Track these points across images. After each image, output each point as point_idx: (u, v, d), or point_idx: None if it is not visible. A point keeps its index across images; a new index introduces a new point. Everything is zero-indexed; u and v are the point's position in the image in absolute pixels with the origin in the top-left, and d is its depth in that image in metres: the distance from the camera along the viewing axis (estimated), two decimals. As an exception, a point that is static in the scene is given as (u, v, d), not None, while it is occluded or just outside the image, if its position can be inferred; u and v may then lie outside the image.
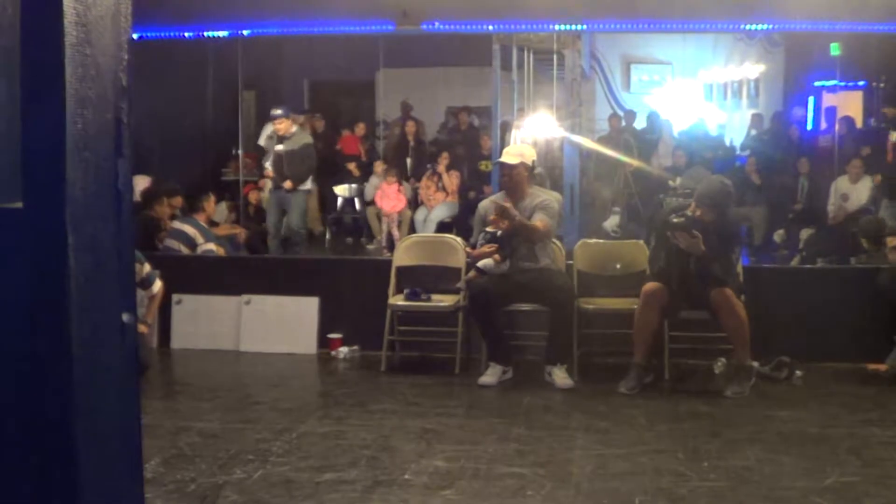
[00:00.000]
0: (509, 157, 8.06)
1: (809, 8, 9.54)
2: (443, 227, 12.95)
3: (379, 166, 13.63)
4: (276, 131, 11.43)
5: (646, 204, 13.54)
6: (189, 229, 9.84)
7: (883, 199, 10.66)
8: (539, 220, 7.89)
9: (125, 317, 1.87)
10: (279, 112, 11.38)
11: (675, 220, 7.57)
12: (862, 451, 6.26)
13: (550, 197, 8.24)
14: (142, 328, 7.85)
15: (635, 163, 13.95)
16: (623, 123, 14.97)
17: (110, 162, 1.81)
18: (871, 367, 8.09)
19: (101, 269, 1.79)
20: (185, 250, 9.69)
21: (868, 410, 7.25)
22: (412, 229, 13.01)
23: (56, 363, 1.69)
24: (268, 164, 11.84)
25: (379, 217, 13.24)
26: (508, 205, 7.84)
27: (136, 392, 1.98)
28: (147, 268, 7.78)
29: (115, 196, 1.82)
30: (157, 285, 8.01)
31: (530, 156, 8.19)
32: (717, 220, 7.63)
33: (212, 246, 9.88)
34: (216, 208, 11.11)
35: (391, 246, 12.68)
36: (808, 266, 9.43)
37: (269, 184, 12.14)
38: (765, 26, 10.54)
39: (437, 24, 9.71)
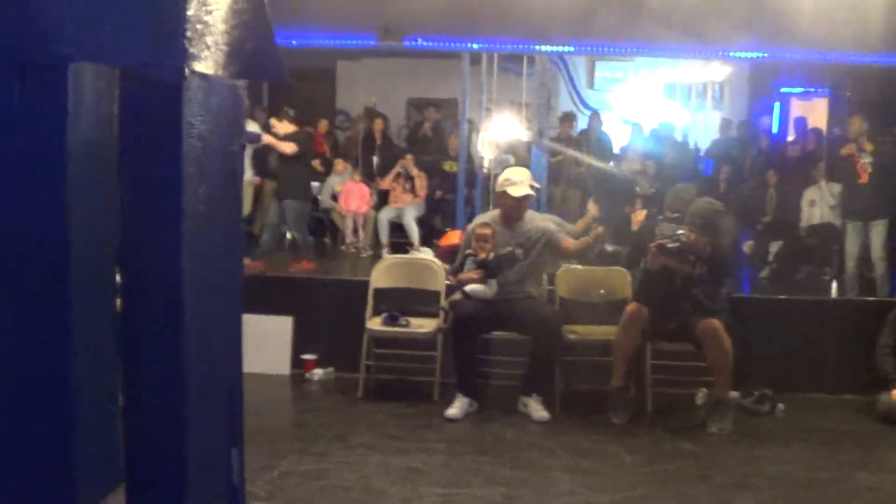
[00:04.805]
0: (516, 187, 7.88)
1: (806, 37, 9.39)
2: (395, 228, 12.74)
3: (340, 165, 13.33)
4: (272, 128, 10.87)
5: (607, 210, 13.39)
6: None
7: (847, 222, 10.57)
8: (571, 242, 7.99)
9: None
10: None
11: (670, 245, 7.46)
12: (851, 502, 6.22)
13: (544, 221, 8.11)
14: None
15: (602, 165, 13.77)
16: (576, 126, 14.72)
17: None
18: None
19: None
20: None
21: (850, 451, 7.20)
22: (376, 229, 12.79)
23: None
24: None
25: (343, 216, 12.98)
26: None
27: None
28: None
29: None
30: None
31: (530, 178, 8.05)
32: (709, 246, 7.55)
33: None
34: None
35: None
36: (788, 297, 9.36)
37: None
38: (758, 55, 10.32)
39: (419, 40, 9.48)
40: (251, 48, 1.56)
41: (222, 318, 1.58)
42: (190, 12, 1.40)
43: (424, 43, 9.61)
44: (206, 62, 1.44)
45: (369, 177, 13.46)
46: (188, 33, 1.40)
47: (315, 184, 13.27)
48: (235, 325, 1.62)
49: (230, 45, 1.50)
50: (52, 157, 1.43)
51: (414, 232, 12.49)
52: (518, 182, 7.92)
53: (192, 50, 1.41)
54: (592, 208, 8.08)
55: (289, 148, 10.71)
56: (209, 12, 1.45)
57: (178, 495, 1.45)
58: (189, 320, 1.45)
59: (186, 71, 1.40)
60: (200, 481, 1.49)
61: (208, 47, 1.45)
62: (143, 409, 1.47)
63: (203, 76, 1.44)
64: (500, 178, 8.18)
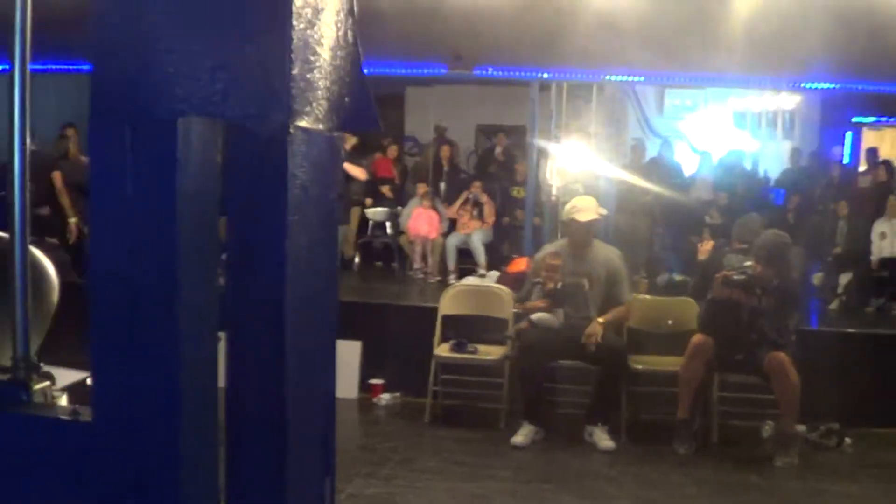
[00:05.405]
0: (583, 213, 7.94)
1: (878, 67, 9.34)
2: (462, 254, 12.78)
3: (422, 188, 13.36)
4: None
5: (676, 239, 13.36)
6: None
7: None
8: (624, 307, 8.06)
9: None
10: None
11: (736, 277, 7.48)
12: (921, 538, 6.19)
13: (612, 255, 8.14)
14: None
15: (670, 194, 13.68)
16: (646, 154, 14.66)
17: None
18: None
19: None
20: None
21: (921, 486, 7.16)
22: (443, 255, 12.85)
23: None
24: None
25: (411, 242, 13.03)
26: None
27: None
28: None
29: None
30: None
31: (596, 205, 8.11)
32: (776, 278, 7.55)
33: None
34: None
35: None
36: (858, 330, 9.30)
37: None
38: (827, 85, 10.28)
39: (490, 69, 9.57)
40: (349, 102, 1.66)
41: (320, 355, 1.68)
42: (295, 71, 1.50)
43: (494, 72, 9.69)
44: (309, 117, 1.54)
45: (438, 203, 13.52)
46: (293, 91, 1.50)
47: (380, 209, 13.40)
48: (330, 362, 1.71)
49: (330, 101, 1.60)
50: (162, 205, 1.52)
51: (481, 255, 12.54)
52: (584, 209, 7.99)
53: (295, 107, 1.51)
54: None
55: (361, 174, 10.83)
56: (311, 70, 1.55)
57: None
58: (290, 358, 1.55)
59: (291, 127, 1.50)
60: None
61: (310, 103, 1.55)
62: (245, 444, 1.56)
63: (305, 130, 1.54)
64: (567, 207, 8.25)
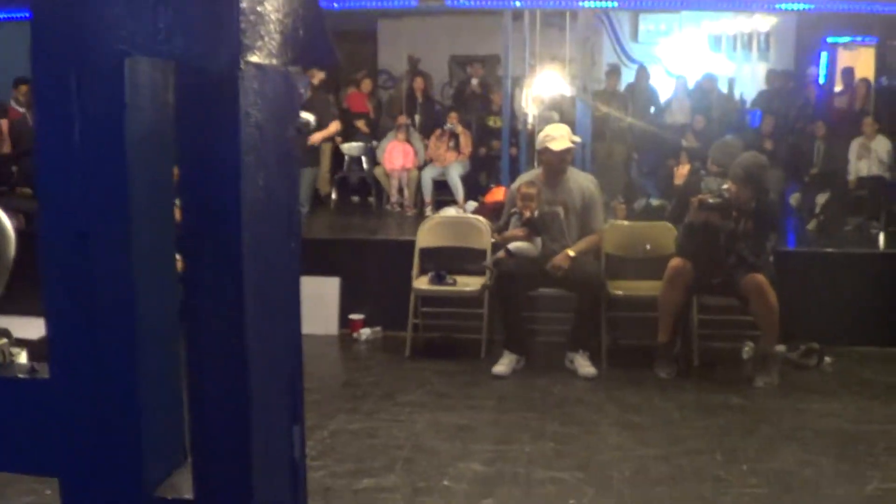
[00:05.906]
0: (556, 142, 7.88)
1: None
2: (438, 186, 12.75)
3: (402, 119, 13.26)
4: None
5: (653, 164, 13.35)
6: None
7: None
8: (595, 235, 8.05)
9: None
10: None
11: (712, 200, 7.46)
12: (901, 452, 6.23)
13: (588, 182, 8.11)
14: None
15: (644, 125, 13.61)
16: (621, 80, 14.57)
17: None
18: None
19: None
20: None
21: (902, 402, 7.21)
22: (419, 187, 12.82)
23: None
24: None
25: (387, 176, 12.98)
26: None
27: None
28: None
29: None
30: None
31: (569, 133, 8.05)
32: (754, 200, 7.53)
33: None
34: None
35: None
36: (836, 250, 9.31)
37: None
38: (802, 6, 10.16)
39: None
40: (303, 35, 1.61)
41: (281, 298, 1.64)
42: (243, 4, 1.44)
43: (467, 3, 9.56)
44: (261, 52, 1.49)
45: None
46: (242, 25, 1.44)
47: (356, 144, 13.31)
48: (294, 305, 1.67)
49: (283, 34, 1.55)
50: (112, 151, 1.48)
51: (459, 190, 12.50)
52: (558, 137, 7.94)
53: (246, 41, 1.45)
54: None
55: (335, 127, 10.73)
56: (261, 2, 1.49)
57: (243, 470, 1.51)
58: (250, 301, 1.50)
59: (242, 62, 1.44)
60: (264, 457, 1.55)
61: (262, 37, 1.49)
62: (207, 389, 1.53)
63: (258, 66, 1.49)
64: (540, 136, 8.20)
